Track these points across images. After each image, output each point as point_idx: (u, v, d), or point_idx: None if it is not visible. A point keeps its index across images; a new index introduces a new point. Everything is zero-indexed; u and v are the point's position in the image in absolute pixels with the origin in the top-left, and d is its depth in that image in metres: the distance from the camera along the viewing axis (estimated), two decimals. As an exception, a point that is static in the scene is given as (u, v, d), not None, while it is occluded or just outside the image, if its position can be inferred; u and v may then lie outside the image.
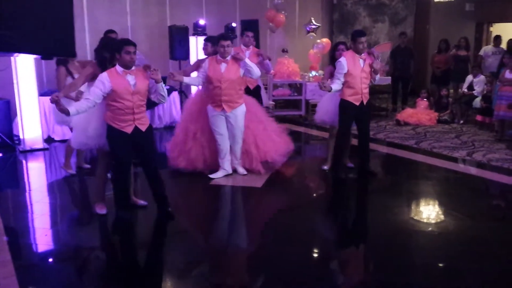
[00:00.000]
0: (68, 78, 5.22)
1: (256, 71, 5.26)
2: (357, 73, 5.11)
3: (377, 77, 5.38)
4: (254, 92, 6.45)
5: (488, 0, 11.49)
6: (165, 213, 4.28)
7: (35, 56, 5.21)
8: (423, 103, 8.90)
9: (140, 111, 3.99)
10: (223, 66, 5.18)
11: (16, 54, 5.06)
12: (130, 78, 3.89)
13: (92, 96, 3.85)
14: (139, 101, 3.95)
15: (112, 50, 4.01)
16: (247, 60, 5.23)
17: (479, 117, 8.00)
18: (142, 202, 4.53)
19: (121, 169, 4.07)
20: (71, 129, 5.68)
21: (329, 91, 5.09)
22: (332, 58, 5.56)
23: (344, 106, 5.23)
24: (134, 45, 3.92)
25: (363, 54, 5.16)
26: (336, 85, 5.11)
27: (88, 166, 5.87)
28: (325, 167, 5.79)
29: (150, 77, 3.94)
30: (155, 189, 4.25)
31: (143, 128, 4.03)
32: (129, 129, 3.94)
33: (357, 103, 5.20)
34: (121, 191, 4.15)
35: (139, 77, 3.95)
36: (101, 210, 4.36)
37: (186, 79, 5.29)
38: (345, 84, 5.17)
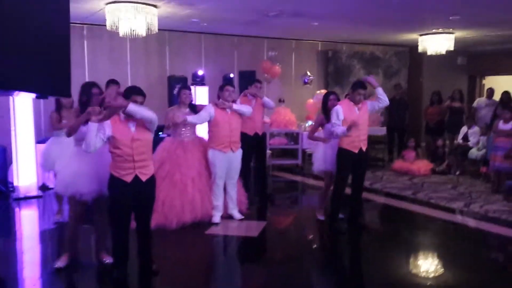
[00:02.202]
0: (63, 122, 5.51)
1: (246, 110, 5.63)
2: (354, 119, 5.12)
3: (379, 90, 5.28)
4: (261, 138, 6.63)
5: (480, 54, 11.83)
6: (149, 270, 4.06)
7: (30, 95, 5.01)
8: (409, 154, 8.84)
9: (141, 159, 3.80)
10: (228, 109, 5.45)
11: (16, 93, 4.92)
12: (132, 125, 3.79)
13: (98, 142, 3.72)
14: (140, 148, 3.79)
15: (87, 94, 4.10)
16: (234, 106, 5.54)
17: (483, 169, 7.98)
18: (108, 259, 4.26)
19: (118, 223, 3.85)
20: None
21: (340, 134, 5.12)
22: (325, 108, 5.60)
23: (342, 154, 5.22)
24: (142, 94, 3.83)
25: (360, 104, 5.24)
26: (341, 128, 5.09)
27: None
28: (320, 217, 5.72)
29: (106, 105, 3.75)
30: (142, 246, 4.02)
31: (144, 178, 3.82)
32: (128, 178, 3.76)
33: (356, 151, 5.21)
34: (118, 248, 3.90)
35: (141, 125, 3.82)
36: (60, 262, 4.16)
37: (190, 118, 5.34)
38: None
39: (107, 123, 3.74)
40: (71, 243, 4.26)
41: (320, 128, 5.70)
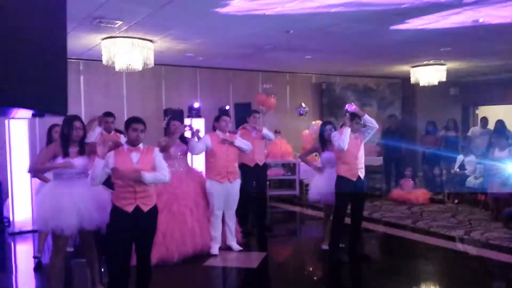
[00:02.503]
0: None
1: (247, 148, 5.62)
2: (352, 147, 5.17)
3: (366, 117, 5.24)
4: (262, 169, 6.58)
5: (472, 84, 12.00)
6: None
7: (27, 113, 4.82)
8: (407, 183, 8.84)
9: (142, 190, 3.75)
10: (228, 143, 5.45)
11: (12, 112, 4.83)
12: (134, 155, 3.77)
13: (101, 177, 3.74)
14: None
15: (69, 127, 3.97)
16: (236, 142, 5.52)
17: (482, 197, 7.97)
18: None
19: (117, 255, 3.74)
20: None
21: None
22: (322, 137, 5.65)
23: (341, 182, 5.22)
24: (142, 123, 3.84)
25: (357, 133, 5.27)
26: (345, 139, 5.08)
27: (71, 249, 5.61)
28: (325, 246, 5.64)
29: None
30: (140, 281, 3.90)
31: (145, 208, 3.75)
32: (129, 208, 3.69)
33: (354, 179, 5.21)
34: (115, 282, 3.78)
35: (144, 155, 3.81)
36: None
37: (193, 142, 5.35)
38: (340, 160, 5.22)
39: (110, 154, 3.74)
40: (55, 280, 4.06)
41: (315, 156, 5.71)
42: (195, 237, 5.32)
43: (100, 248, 4.21)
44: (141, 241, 3.83)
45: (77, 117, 4.11)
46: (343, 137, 5.08)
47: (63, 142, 4.00)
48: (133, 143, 3.79)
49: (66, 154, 3.93)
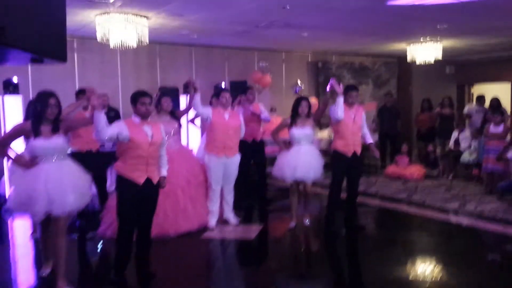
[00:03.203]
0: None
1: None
2: (349, 123, 5.18)
3: (366, 131, 5.41)
4: (260, 144, 6.67)
5: (468, 63, 12.00)
6: (145, 273, 4.06)
7: (24, 63, 4.36)
8: (403, 160, 8.91)
9: (153, 163, 3.89)
10: (226, 115, 5.47)
11: (13, 55, 4.59)
12: (148, 129, 3.84)
13: (110, 131, 3.64)
14: (154, 152, 3.87)
15: (42, 104, 3.64)
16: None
17: (476, 171, 8.05)
18: None
19: (125, 228, 3.85)
20: None
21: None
22: (295, 112, 5.50)
23: (337, 157, 5.24)
24: (150, 96, 3.89)
25: (354, 108, 5.26)
26: (339, 109, 5.09)
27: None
28: (292, 224, 5.60)
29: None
30: (141, 249, 4.04)
31: (155, 180, 3.92)
32: (141, 180, 3.79)
33: (349, 154, 5.22)
34: (123, 254, 3.90)
35: (155, 129, 3.91)
36: (43, 270, 4.16)
37: (197, 99, 5.32)
38: (336, 134, 5.22)
39: (123, 126, 3.75)
40: (45, 253, 4.16)
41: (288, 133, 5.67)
42: (189, 216, 5.34)
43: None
44: (147, 211, 3.96)
45: (52, 94, 3.75)
46: (337, 107, 5.08)
47: (35, 120, 3.65)
48: (143, 116, 3.86)
49: (37, 133, 3.60)
